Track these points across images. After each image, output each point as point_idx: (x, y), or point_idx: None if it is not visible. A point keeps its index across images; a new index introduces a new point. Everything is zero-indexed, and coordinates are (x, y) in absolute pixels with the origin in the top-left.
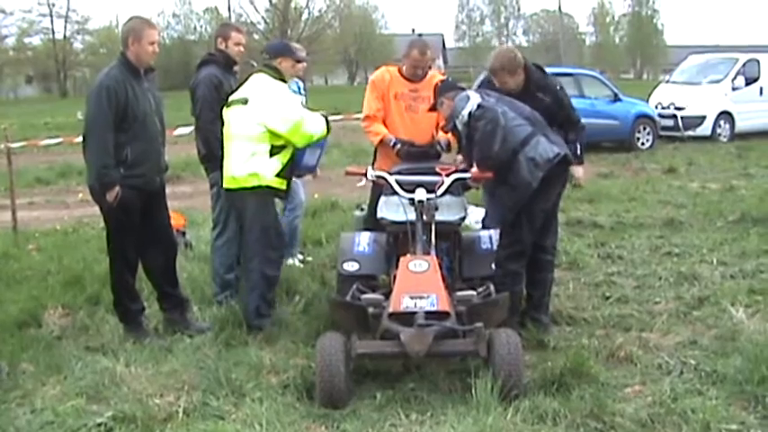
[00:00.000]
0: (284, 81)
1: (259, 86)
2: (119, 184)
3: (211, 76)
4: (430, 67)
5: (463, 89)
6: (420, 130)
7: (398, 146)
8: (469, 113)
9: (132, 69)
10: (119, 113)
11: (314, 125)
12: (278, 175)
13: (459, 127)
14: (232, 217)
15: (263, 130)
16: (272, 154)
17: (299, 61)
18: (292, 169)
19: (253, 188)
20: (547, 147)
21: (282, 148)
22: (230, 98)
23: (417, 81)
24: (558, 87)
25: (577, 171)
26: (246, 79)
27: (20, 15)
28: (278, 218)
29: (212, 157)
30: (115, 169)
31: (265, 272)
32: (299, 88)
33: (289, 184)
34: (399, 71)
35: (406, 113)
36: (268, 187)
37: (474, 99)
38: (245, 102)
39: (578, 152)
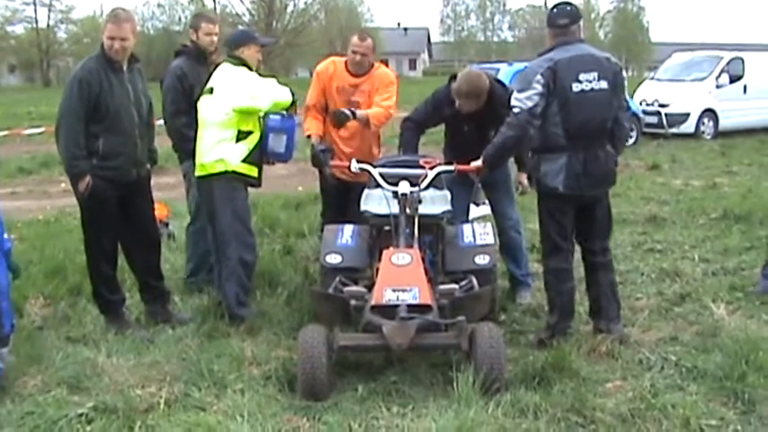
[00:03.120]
0: (249, 68)
1: (223, 74)
2: (90, 174)
3: (176, 68)
4: (380, 62)
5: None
6: (358, 126)
7: (321, 153)
8: None
9: (109, 61)
10: (90, 104)
11: (280, 92)
12: (245, 161)
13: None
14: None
15: (230, 116)
16: (238, 139)
17: (262, 46)
18: (260, 155)
19: (220, 174)
20: None
21: (249, 134)
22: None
23: (360, 75)
24: None
25: (522, 177)
26: (213, 71)
27: (3, 3)
28: (248, 207)
29: (178, 148)
30: (85, 160)
31: (243, 257)
32: None
33: (260, 172)
34: (345, 64)
35: (346, 108)
36: (234, 173)
37: None
38: (210, 91)
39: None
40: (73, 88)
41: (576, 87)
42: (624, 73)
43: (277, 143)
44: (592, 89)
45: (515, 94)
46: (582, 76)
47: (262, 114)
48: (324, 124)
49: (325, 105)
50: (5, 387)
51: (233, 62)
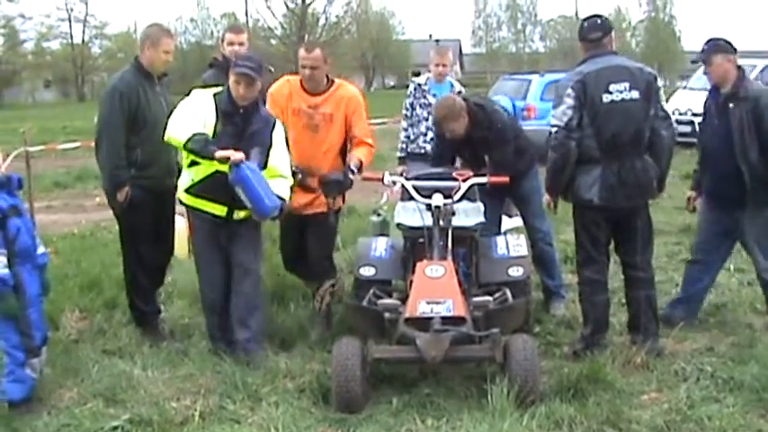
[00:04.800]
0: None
1: None
2: (129, 184)
3: (205, 80)
4: (333, 80)
5: None
6: (320, 152)
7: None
8: None
9: (145, 74)
10: (130, 116)
11: (172, 126)
12: (188, 191)
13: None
14: None
15: None
16: (189, 165)
17: (240, 75)
18: (209, 190)
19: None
20: None
21: (196, 163)
22: None
23: (318, 94)
24: (498, 125)
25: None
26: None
27: (39, 20)
28: (208, 245)
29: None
30: (126, 170)
31: (202, 293)
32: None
33: (229, 210)
34: (301, 82)
35: (305, 132)
36: (181, 203)
37: None
38: None
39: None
40: (113, 100)
41: (606, 98)
42: (659, 82)
43: (243, 198)
44: (623, 99)
45: (552, 112)
46: (612, 87)
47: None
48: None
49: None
50: (42, 399)
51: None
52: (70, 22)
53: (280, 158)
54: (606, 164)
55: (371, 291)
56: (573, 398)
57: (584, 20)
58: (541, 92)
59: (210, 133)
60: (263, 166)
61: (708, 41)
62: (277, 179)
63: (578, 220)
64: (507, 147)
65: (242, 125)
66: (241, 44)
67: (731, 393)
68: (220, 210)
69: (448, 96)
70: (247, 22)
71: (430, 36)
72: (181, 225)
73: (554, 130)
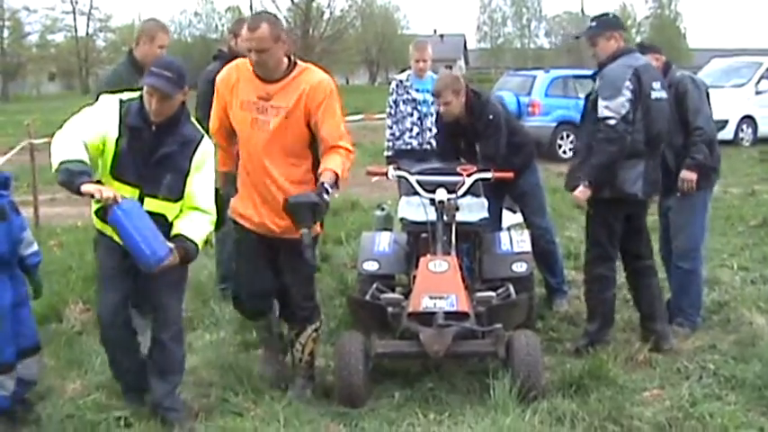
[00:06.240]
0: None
1: None
2: None
3: (209, 73)
4: (295, 63)
5: None
6: (271, 155)
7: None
8: None
9: (138, 68)
10: None
11: (55, 145)
12: (96, 213)
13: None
14: None
15: None
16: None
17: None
18: (108, 218)
19: None
20: None
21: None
22: None
23: (274, 81)
24: (489, 116)
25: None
26: None
27: (43, 13)
28: (108, 270)
29: None
30: None
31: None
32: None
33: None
34: (254, 67)
35: (254, 132)
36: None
37: None
38: None
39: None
40: (114, 81)
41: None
42: None
43: (130, 239)
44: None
45: (605, 103)
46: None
47: None
48: (233, 156)
49: (231, 128)
50: (46, 390)
51: None
52: (74, 14)
53: (199, 187)
54: (648, 159)
55: (375, 285)
56: (575, 394)
57: (607, 12)
58: (546, 88)
59: (111, 151)
60: (179, 195)
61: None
62: (192, 214)
63: (600, 216)
64: (496, 140)
65: (152, 144)
66: None
67: (733, 391)
68: (109, 231)
69: (446, 73)
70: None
71: (434, 31)
72: None
73: (611, 122)
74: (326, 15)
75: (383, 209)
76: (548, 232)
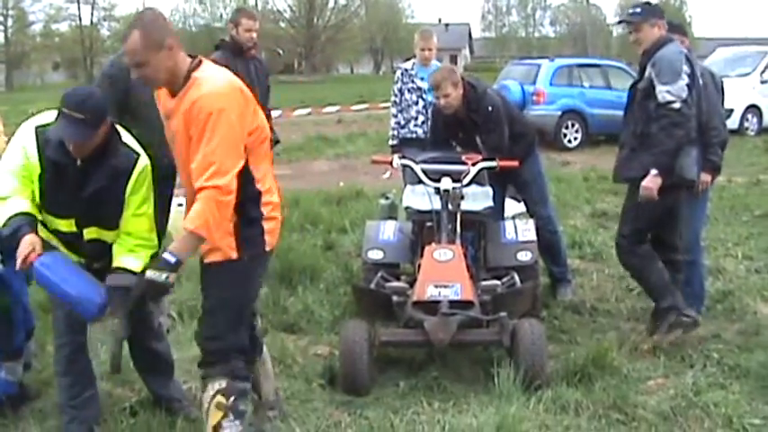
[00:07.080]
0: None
1: None
2: None
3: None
4: (195, 68)
5: None
6: (188, 183)
7: None
8: None
9: None
10: (122, 99)
11: None
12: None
13: None
14: None
15: None
16: None
17: None
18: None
19: None
20: None
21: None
22: None
23: (174, 96)
24: (487, 109)
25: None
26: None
27: (47, 2)
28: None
29: None
30: None
31: None
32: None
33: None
34: None
35: (175, 152)
36: None
37: None
38: None
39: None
40: (103, 86)
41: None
42: None
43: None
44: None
45: (666, 88)
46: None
47: None
48: None
49: None
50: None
51: None
52: (78, 3)
53: (137, 214)
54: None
55: (379, 274)
56: (579, 382)
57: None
58: (551, 77)
59: (38, 186)
60: (119, 223)
61: None
62: (129, 241)
63: (651, 203)
64: (498, 132)
65: (80, 181)
66: (255, 30)
67: (737, 380)
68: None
69: (444, 66)
70: (256, 4)
71: (439, 20)
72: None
73: (675, 106)
74: (331, 4)
75: (388, 197)
76: (550, 222)
